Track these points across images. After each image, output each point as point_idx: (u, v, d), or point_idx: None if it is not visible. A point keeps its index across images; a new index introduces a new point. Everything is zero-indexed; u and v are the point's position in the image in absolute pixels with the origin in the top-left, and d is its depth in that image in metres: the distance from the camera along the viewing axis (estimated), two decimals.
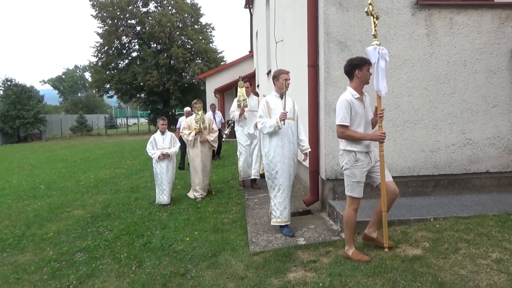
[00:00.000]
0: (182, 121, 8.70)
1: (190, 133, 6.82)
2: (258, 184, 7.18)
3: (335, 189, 5.00)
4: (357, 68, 3.56)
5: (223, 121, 12.42)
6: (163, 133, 6.60)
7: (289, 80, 4.44)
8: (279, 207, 4.53)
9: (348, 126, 3.54)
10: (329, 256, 3.77)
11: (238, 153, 7.24)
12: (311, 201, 5.31)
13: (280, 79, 4.47)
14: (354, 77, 3.59)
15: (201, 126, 6.77)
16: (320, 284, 3.16)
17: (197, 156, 6.83)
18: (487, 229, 3.89)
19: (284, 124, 4.36)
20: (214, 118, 10.48)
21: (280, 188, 4.52)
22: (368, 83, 3.63)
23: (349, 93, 3.59)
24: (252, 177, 7.16)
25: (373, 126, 3.77)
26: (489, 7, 5.04)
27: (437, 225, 4.08)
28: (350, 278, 3.21)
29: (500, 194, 5.03)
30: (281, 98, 4.48)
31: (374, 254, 3.65)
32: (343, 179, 3.74)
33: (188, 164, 7.10)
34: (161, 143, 6.57)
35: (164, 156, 6.47)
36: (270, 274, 3.47)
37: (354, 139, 3.56)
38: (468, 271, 3.14)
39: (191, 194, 6.89)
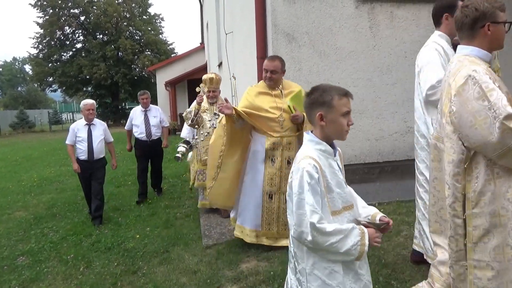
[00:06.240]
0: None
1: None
2: None
3: None
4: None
5: (166, 124, 6.64)
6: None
7: None
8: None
9: None
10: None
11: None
12: None
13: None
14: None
15: None
16: (272, 272, 3.22)
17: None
18: None
19: None
20: (147, 117, 6.23)
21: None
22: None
23: None
24: None
25: None
26: (426, 1, 5.30)
27: (382, 210, 4.20)
28: None
29: None
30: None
31: None
32: None
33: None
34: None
35: None
36: (223, 266, 3.48)
37: None
38: (409, 252, 3.34)
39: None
